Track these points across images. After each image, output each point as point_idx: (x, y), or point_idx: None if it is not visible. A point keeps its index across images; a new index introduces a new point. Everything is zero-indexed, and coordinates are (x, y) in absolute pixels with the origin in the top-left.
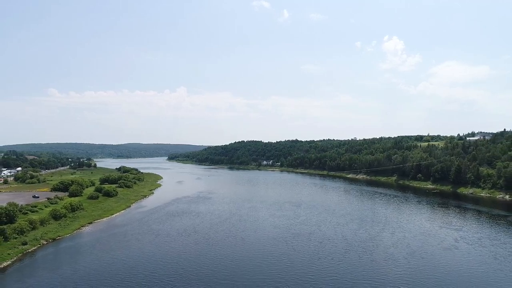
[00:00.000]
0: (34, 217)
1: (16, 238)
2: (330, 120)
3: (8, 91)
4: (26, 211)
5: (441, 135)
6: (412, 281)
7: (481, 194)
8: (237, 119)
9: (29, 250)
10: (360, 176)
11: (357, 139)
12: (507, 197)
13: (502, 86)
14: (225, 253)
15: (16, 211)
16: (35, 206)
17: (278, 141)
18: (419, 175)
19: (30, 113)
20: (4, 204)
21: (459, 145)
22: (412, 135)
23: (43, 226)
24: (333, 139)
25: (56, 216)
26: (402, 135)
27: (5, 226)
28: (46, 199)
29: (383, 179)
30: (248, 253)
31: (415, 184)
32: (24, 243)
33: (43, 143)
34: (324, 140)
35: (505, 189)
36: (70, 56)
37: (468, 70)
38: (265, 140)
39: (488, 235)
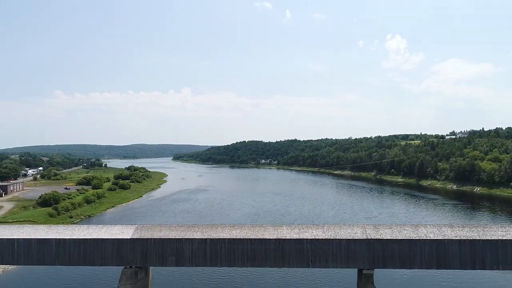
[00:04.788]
0: (73, 200)
1: (64, 213)
2: (334, 119)
3: (11, 93)
4: (65, 197)
5: (428, 134)
6: None
7: (437, 185)
8: (241, 118)
9: (74, 222)
10: (345, 172)
11: (352, 138)
12: (454, 187)
13: (507, 83)
14: (213, 222)
15: (59, 196)
16: (70, 194)
17: (278, 140)
18: (392, 170)
19: (37, 115)
20: (50, 192)
21: (429, 144)
22: (409, 134)
23: (80, 207)
24: (329, 139)
25: (88, 201)
26: (405, 133)
27: (57, 205)
28: (76, 190)
29: (364, 174)
30: (229, 221)
31: (388, 178)
32: (71, 217)
33: (52, 144)
34: (320, 139)
35: (454, 180)
36: (74, 57)
37: (472, 67)
38: (269, 139)
39: (407, 210)
